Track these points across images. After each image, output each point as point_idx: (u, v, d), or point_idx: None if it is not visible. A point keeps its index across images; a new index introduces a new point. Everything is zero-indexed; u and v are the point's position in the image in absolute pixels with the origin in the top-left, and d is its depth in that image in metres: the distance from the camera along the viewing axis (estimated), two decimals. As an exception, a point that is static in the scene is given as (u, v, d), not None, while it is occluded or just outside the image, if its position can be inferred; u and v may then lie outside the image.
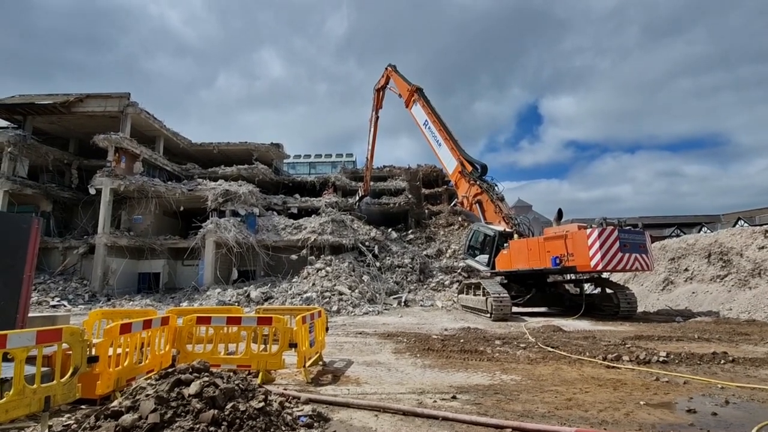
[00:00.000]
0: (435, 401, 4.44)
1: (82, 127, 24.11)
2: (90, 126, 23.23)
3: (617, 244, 11.69)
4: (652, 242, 14.65)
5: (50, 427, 3.48)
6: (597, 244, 11.65)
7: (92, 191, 21.34)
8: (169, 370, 3.59)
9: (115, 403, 3.27)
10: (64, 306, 17.11)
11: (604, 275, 14.45)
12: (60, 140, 25.37)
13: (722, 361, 6.20)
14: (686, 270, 16.32)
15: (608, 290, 13.57)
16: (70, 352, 3.73)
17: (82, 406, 4.10)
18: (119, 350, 4.40)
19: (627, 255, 11.79)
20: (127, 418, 2.94)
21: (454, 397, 4.56)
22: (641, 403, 4.35)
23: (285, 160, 35.30)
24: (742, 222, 37.42)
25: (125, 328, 4.44)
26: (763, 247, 14.14)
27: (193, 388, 3.23)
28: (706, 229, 37.32)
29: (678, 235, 26.53)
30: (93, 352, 4.04)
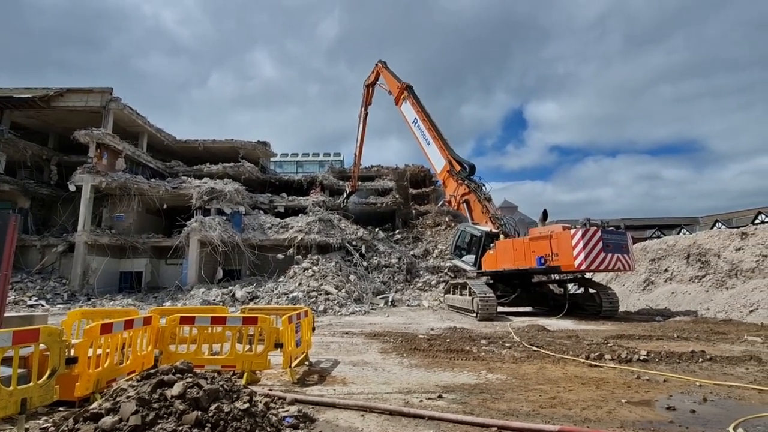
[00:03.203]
0: (421, 401, 4.45)
1: (63, 122, 23.47)
2: (71, 121, 22.64)
3: (600, 245, 11.91)
4: (634, 243, 14.97)
5: (27, 430, 3.38)
6: (581, 245, 11.85)
7: (72, 188, 20.77)
8: (152, 371, 3.52)
9: (95, 405, 3.19)
10: (42, 306, 16.63)
11: (587, 275, 14.71)
12: (39, 135, 24.61)
13: (700, 360, 6.37)
14: (666, 271, 16.73)
15: (591, 290, 13.81)
16: (48, 353, 3.62)
17: (60, 409, 3.99)
18: (99, 351, 4.30)
19: (609, 255, 12.02)
20: (107, 421, 2.87)
21: (440, 397, 4.58)
22: (623, 401, 4.44)
23: (272, 159, 34.98)
24: (720, 224, 38.50)
25: (106, 329, 4.34)
26: (739, 249, 14.57)
27: (176, 389, 3.17)
28: (685, 231, 38.28)
29: (658, 237, 27.15)
30: (72, 353, 3.93)
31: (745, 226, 19.34)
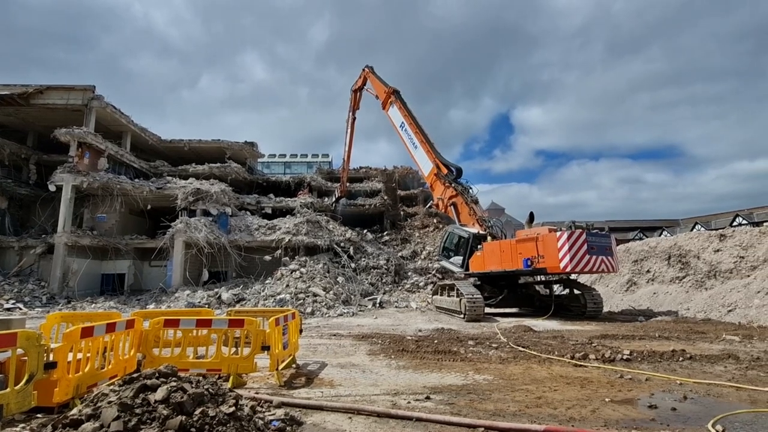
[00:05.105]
0: (409, 402, 4.45)
1: (43, 121, 22.87)
2: (51, 119, 22.06)
3: (585, 247, 12.09)
4: (617, 245, 15.25)
5: (2, 438, 3.27)
6: (566, 247, 12.02)
7: (52, 188, 20.23)
8: (134, 375, 3.45)
9: (75, 410, 3.12)
10: (20, 309, 16.13)
11: (573, 276, 14.93)
12: (18, 134, 23.94)
13: (681, 359, 6.51)
14: (648, 271, 17.08)
15: (576, 291, 14.01)
16: (26, 357, 3.52)
17: (39, 415, 3.87)
18: (80, 355, 4.19)
19: (594, 257, 12.21)
20: (87, 427, 2.80)
21: (428, 398, 4.60)
22: (606, 400, 4.51)
23: (260, 160, 34.67)
24: (699, 226, 39.52)
25: (87, 332, 4.23)
26: (718, 250, 14.97)
27: (160, 393, 3.12)
28: (666, 232, 39.20)
29: (641, 238, 27.75)
30: (51, 358, 3.82)
31: (723, 228, 19.91)
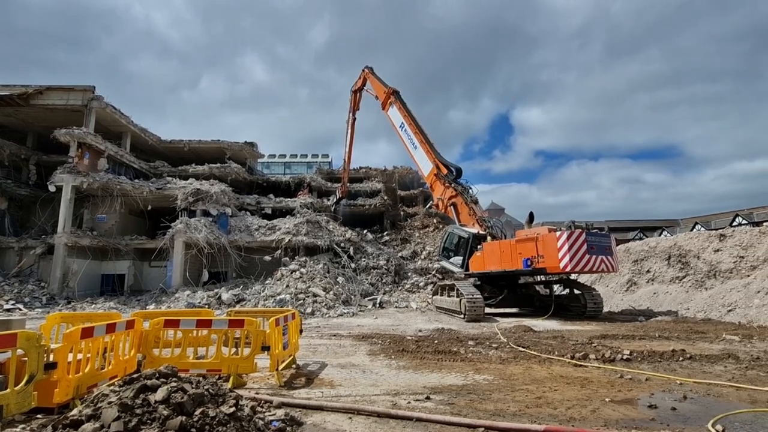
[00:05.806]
0: (409, 402, 4.46)
1: (42, 121, 22.89)
2: (51, 120, 22.08)
3: (585, 247, 12.08)
4: (617, 245, 15.25)
5: (2, 438, 3.28)
6: (566, 247, 12.02)
7: (52, 188, 20.24)
8: (134, 375, 3.45)
9: (75, 411, 3.12)
10: (20, 309, 16.13)
11: (573, 276, 14.93)
12: (17, 134, 23.98)
13: (681, 359, 6.51)
14: (648, 271, 17.08)
15: (576, 291, 14.01)
16: (26, 358, 3.52)
17: (39, 416, 3.87)
18: (80, 356, 4.19)
19: (594, 257, 12.21)
20: (88, 428, 2.80)
21: (428, 398, 4.60)
22: (606, 399, 4.51)
23: (259, 160, 34.68)
24: (699, 226, 39.51)
25: (87, 333, 4.23)
26: (718, 250, 14.97)
27: (160, 393, 3.12)
28: (666, 232, 39.21)
29: (641, 238, 27.74)
30: (51, 358, 3.82)
31: (723, 228, 19.90)
